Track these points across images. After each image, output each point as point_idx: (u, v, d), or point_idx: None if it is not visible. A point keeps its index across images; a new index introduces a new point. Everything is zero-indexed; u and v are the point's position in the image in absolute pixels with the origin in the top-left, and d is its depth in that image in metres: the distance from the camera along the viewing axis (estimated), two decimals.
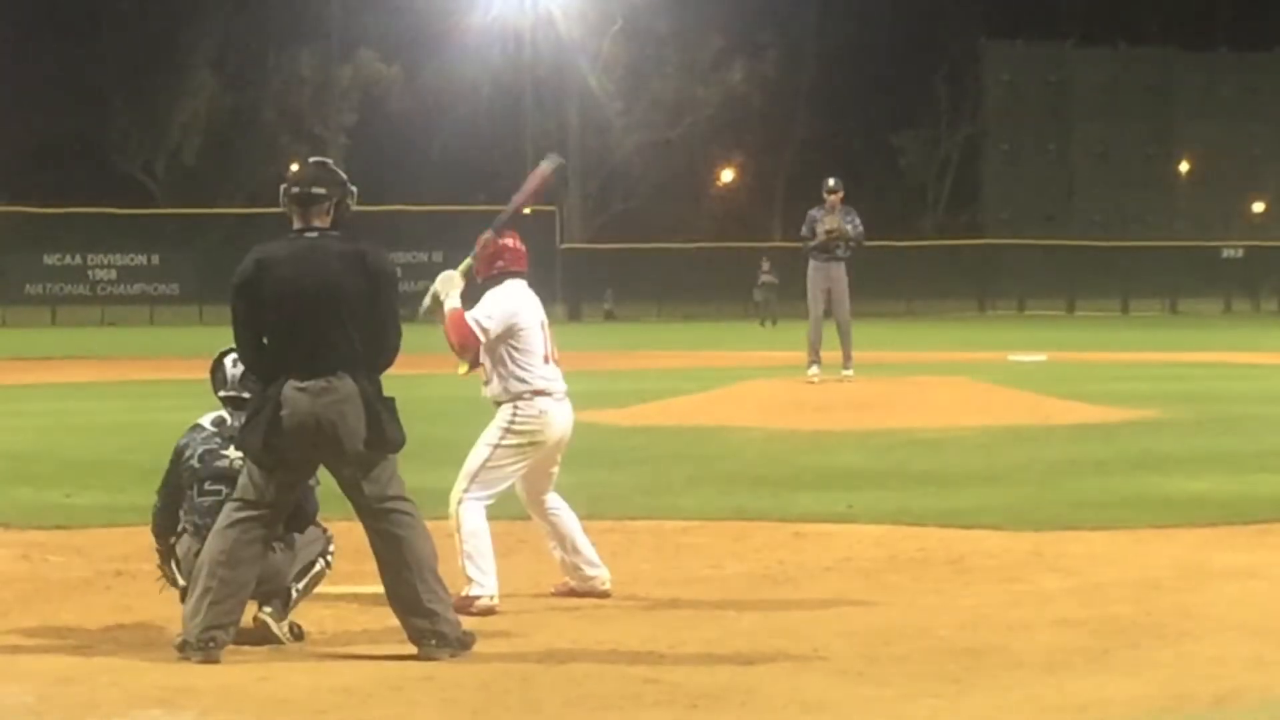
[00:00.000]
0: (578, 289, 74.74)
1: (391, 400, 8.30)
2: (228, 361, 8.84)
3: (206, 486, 8.61)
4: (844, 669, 7.93)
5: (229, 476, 8.52)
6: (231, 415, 8.73)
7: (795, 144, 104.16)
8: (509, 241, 9.76)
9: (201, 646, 8.02)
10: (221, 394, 8.82)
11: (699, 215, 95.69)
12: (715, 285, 72.15)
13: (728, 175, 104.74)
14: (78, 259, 67.86)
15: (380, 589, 9.60)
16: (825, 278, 22.20)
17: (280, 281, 8.17)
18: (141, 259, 69.31)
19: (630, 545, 11.61)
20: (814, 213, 22.18)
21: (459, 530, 9.39)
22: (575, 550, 9.78)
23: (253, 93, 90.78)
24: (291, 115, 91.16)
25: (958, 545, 11.43)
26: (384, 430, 8.17)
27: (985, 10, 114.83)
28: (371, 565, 10.32)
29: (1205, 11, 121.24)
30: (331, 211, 8.36)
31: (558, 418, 9.57)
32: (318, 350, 8.09)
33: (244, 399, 8.65)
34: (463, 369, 9.63)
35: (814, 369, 22.21)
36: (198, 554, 8.37)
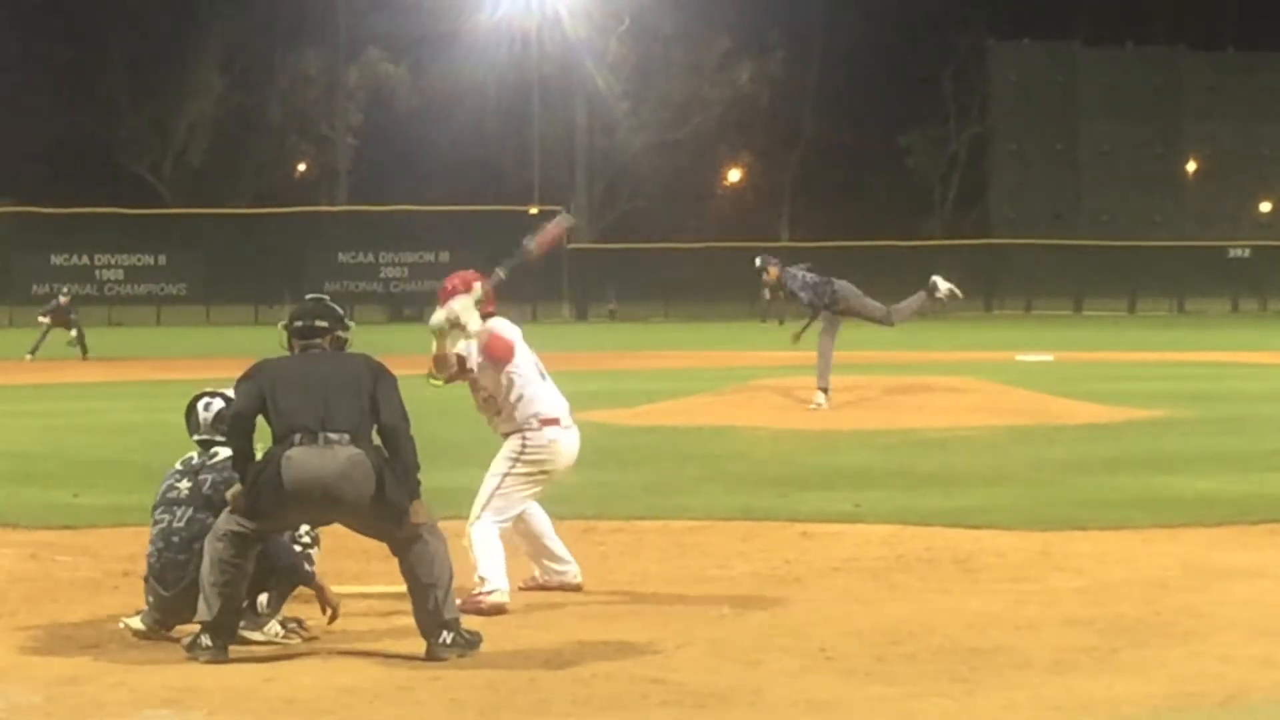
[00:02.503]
0: (585, 289, 74.78)
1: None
2: (199, 405, 9.10)
3: (157, 515, 8.83)
4: (851, 668, 7.93)
5: (177, 502, 8.77)
6: (200, 456, 8.98)
7: (802, 144, 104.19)
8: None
9: (212, 645, 8.09)
10: (196, 438, 9.07)
11: (706, 215, 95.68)
12: (722, 285, 72.14)
13: (734, 175, 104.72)
14: (85, 259, 68.00)
15: (386, 588, 9.63)
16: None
17: (289, 369, 8.55)
18: (149, 259, 69.40)
19: (638, 545, 11.62)
20: (816, 279, 21.75)
21: (472, 549, 9.46)
22: (546, 548, 9.86)
23: (260, 93, 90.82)
24: (298, 115, 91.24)
25: (965, 545, 11.42)
26: (392, 493, 8.28)
27: (992, 10, 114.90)
28: (377, 565, 10.34)
29: (1213, 11, 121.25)
30: (330, 340, 8.76)
31: (565, 446, 9.65)
32: (328, 415, 8.29)
33: (216, 441, 8.93)
34: (438, 381, 9.68)
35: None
36: (145, 576, 8.72)
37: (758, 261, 22.29)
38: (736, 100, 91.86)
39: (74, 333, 39.64)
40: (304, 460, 8.19)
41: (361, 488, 8.19)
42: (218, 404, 9.00)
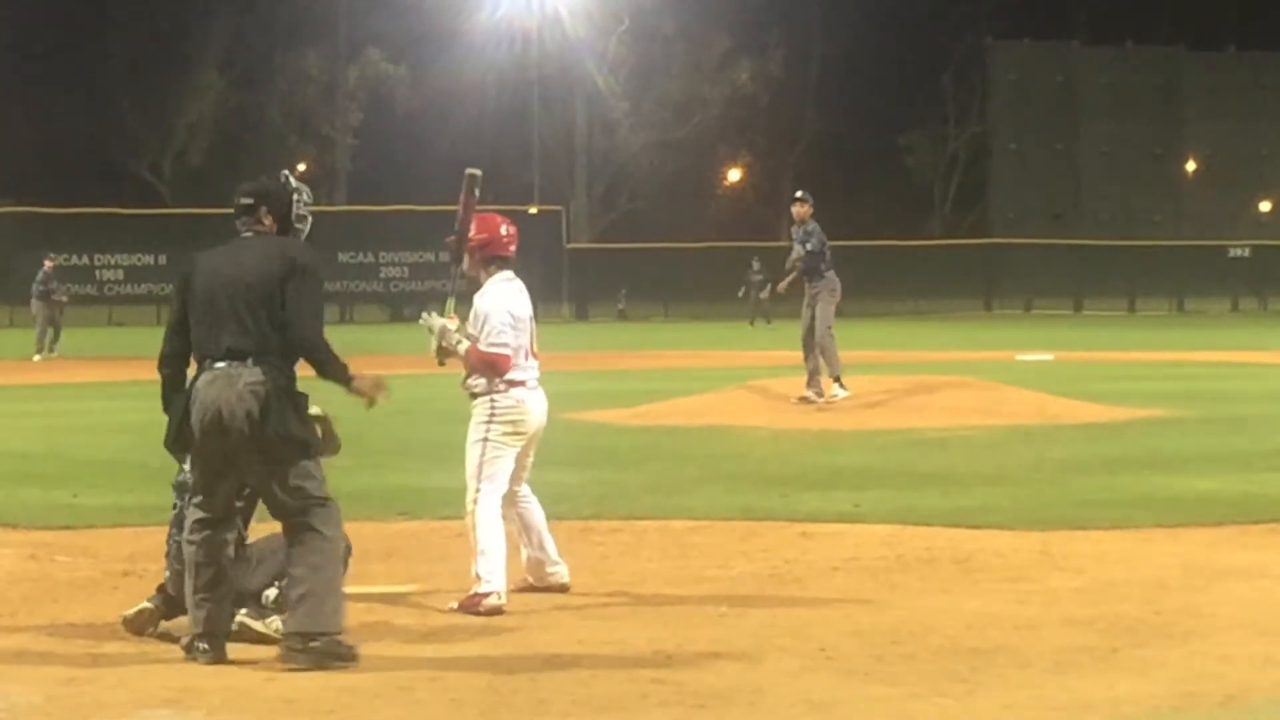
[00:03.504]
0: (585, 289, 74.73)
1: (302, 396, 8.14)
2: None
3: (174, 499, 8.85)
4: (851, 668, 7.93)
5: (186, 487, 8.72)
6: None
7: (802, 144, 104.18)
8: (504, 229, 9.71)
9: (209, 649, 8.05)
10: None
11: (706, 215, 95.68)
12: (722, 285, 72.11)
13: (734, 175, 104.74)
14: (85, 259, 67.91)
15: (386, 588, 9.62)
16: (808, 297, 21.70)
17: (205, 274, 8.23)
18: (148, 259, 69.37)
19: (638, 545, 11.61)
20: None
21: (474, 529, 9.41)
22: (540, 546, 9.84)
23: (260, 92, 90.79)
24: (298, 115, 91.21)
25: (965, 545, 11.42)
26: (284, 423, 7.99)
27: (992, 9, 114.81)
28: (376, 565, 10.34)
29: (1213, 11, 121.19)
30: (267, 221, 8.34)
31: (534, 405, 9.65)
32: (230, 338, 8.04)
33: None
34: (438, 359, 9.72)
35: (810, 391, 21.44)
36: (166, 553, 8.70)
37: (799, 192, 22.14)
38: (736, 100, 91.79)
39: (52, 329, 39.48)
40: (205, 391, 8.03)
41: (248, 417, 7.92)
42: None
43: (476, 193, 9.55)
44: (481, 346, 9.45)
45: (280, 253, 8.15)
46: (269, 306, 8.02)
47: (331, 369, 8.10)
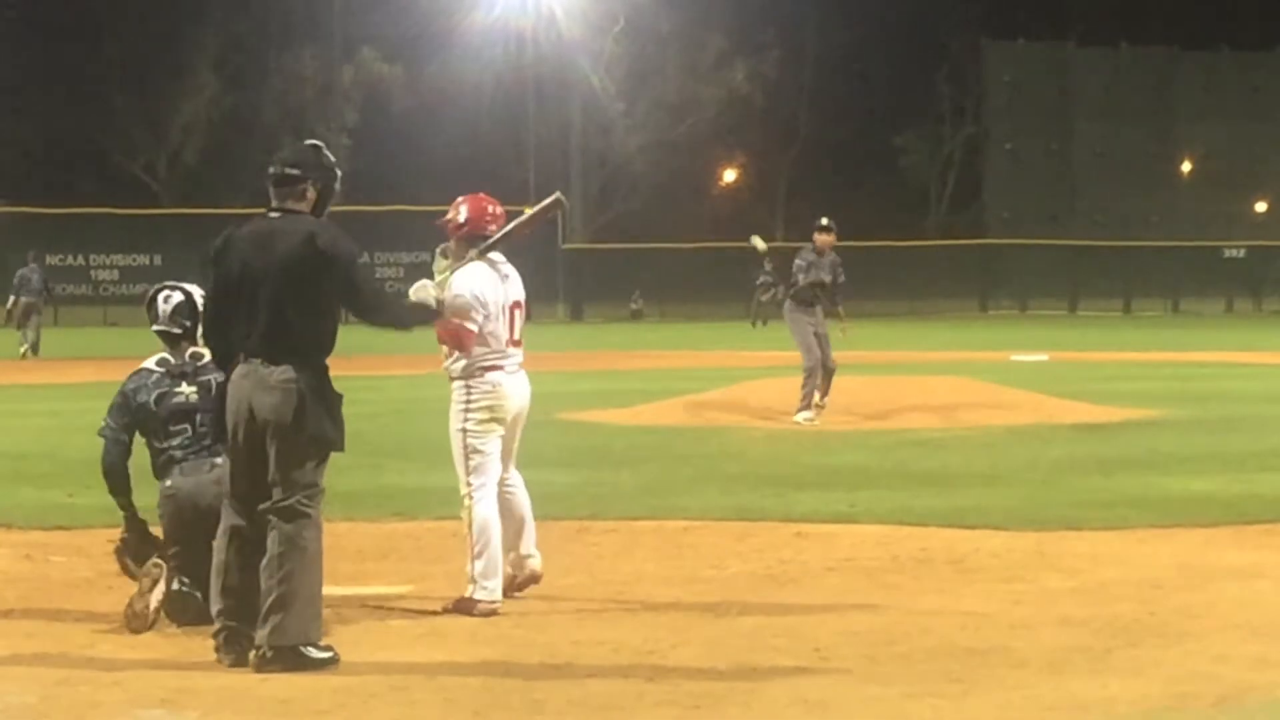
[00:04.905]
0: (580, 289, 74.76)
1: (335, 396, 8.09)
2: (160, 298, 9.09)
3: (171, 429, 8.85)
4: (846, 669, 7.93)
5: (188, 411, 8.75)
6: (170, 351, 8.99)
7: (797, 144, 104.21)
8: (490, 207, 9.70)
9: (218, 649, 8.04)
10: (155, 328, 9.07)
11: (701, 215, 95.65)
12: (718, 285, 72.11)
13: (729, 175, 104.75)
14: (80, 259, 67.92)
15: (382, 589, 9.60)
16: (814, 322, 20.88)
17: (237, 262, 8.08)
18: (144, 259, 69.37)
19: (633, 545, 11.61)
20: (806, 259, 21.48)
21: (470, 527, 9.37)
22: (519, 534, 9.72)
23: (254, 93, 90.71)
24: (293, 115, 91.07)
25: (960, 545, 11.42)
26: (319, 424, 7.95)
27: (987, 10, 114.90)
28: (371, 565, 10.34)
29: (1207, 11, 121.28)
30: (309, 195, 8.13)
31: (512, 389, 9.56)
32: (261, 334, 7.96)
33: (174, 334, 8.93)
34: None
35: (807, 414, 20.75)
36: (173, 495, 8.77)
37: (825, 220, 21.70)
38: (731, 100, 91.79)
39: (31, 334, 39.40)
40: (237, 385, 8.00)
41: (278, 415, 7.89)
42: (177, 297, 8.99)
43: (550, 216, 9.59)
44: (448, 315, 9.44)
45: (311, 245, 7.95)
46: (300, 301, 7.92)
47: (411, 319, 8.42)
